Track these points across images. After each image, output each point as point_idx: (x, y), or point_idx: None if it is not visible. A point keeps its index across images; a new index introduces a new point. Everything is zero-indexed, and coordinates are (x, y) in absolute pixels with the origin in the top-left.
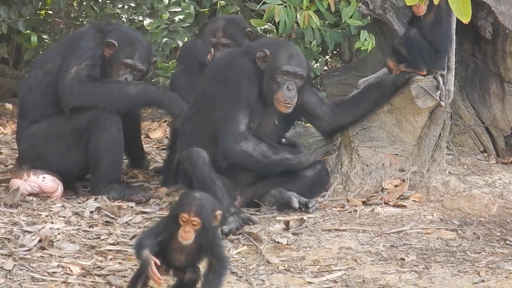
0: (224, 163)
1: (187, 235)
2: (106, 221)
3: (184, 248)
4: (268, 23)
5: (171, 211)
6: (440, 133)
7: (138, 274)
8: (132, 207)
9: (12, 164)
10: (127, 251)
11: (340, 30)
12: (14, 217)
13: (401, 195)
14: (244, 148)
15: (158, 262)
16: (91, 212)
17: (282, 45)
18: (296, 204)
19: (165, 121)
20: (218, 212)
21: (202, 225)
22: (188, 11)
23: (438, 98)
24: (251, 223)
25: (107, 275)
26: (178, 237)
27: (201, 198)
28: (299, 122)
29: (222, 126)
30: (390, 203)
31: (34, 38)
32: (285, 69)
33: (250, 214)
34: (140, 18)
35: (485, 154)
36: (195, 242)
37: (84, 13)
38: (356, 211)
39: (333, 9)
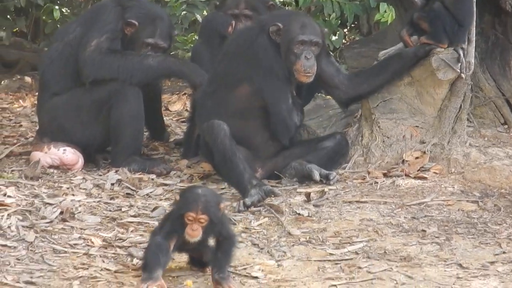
0: (287, 139)
1: (195, 233)
2: (127, 193)
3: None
4: None
5: (176, 210)
6: (461, 105)
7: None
8: (153, 179)
9: (32, 136)
10: (148, 223)
11: (359, 3)
12: (35, 189)
13: (422, 167)
14: (295, 120)
15: (165, 286)
16: (112, 184)
17: (294, 16)
18: (317, 177)
19: (185, 93)
20: (222, 205)
21: (209, 221)
22: None
23: (458, 70)
24: (273, 196)
25: (129, 246)
26: (186, 235)
27: (205, 194)
28: (319, 94)
29: (276, 108)
30: (411, 175)
31: (56, 12)
32: (301, 39)
33: (271, 186)
34: None
35: (506, 126)
36: (203, 237)
37: None
38: (377, 183)
39: None
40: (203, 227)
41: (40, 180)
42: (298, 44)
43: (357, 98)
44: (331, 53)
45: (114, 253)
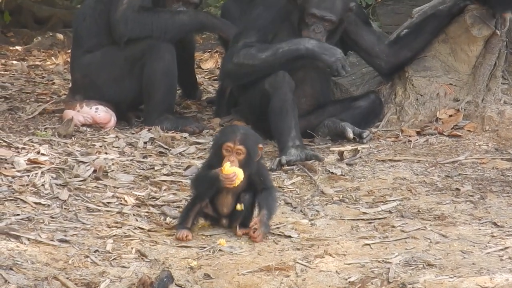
0: (226, 84)
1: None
2: (160, 152)
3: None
4: None
5: (214, 143)
6: (495, 62)
7: (192, 204)
8: (185, 137)
9: (65, 94)
10: (181, 181)
11: None
12: (68, 147)
13: (456, 125)
14: (235, 61)
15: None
16: (145, 142)
17: None
18: (350, 134)
19: (217, 51)
20: (260, 146)
21: (246, 154)
22: None
23: (493, 27)
24: (315, 160)
25: (162, 205)
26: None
27: (244, 129)
28: (351, 52)
29: (231, 43)
30: (444, 133)
31: None
32: (312, 12)
33: (309, 148)
34: None
35: None
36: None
37: None
38: (410, 141)
39: None
40: (240, 161)
41: (73, 138)
42: (310, 16)
43: (399, 66)
44: (370, 21)
45: (147, 212)
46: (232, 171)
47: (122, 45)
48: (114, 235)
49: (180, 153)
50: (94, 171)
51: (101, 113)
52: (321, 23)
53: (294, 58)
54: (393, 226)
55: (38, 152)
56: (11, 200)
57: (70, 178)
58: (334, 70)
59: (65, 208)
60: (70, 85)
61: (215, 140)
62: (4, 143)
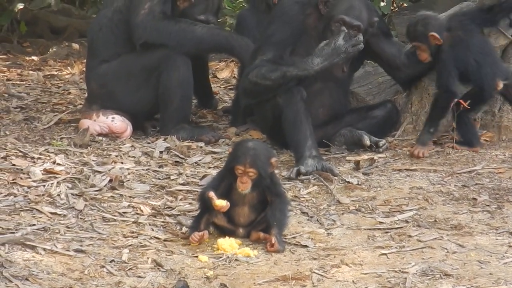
0: (246, 102)
1: (244, 186)
2: (175, 161)
3: (244, 197)
4: None
5: (227, 164)
6: None
7: (201, 214)
8: (201, 147)
9: (81, 104)
10: (197, 191)
11: None
12: (84, 157)
13: None
14: (250, 78)
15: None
16: (161, 152)
17: None
18: (367, 141)
19: (232, 61)
20: (274, 160)
21: (258, 175)
22: None
23: (510, 36)
24: (330, 174)
25: (178, 215)
26: (236, 187)
27: (255, 148)
28: (368, 61)
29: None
30: None
31: None
32: (341, 17)
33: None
34: None
35: None
36: (253, 191)
37: None
38: None
39: None
40: (252, 180)
41: (89, 148)
42: (338, 22)
43: (418, 77)
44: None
45: (163, 222)
46: (224, 203)
47: (138, 53)
48: (130, 245)
49: (196, 162)
50: (110, 180)
51: (118, 122)
52: (348, 30)
53: (304, 80)
54: (410, 236)
55: (54, 162)
56: (27, 210)
57: (86, 188)
58: (351, 56)
59: (81, 218)
60: (86, 95)
61: (228, 161)
62: (20, 153)
